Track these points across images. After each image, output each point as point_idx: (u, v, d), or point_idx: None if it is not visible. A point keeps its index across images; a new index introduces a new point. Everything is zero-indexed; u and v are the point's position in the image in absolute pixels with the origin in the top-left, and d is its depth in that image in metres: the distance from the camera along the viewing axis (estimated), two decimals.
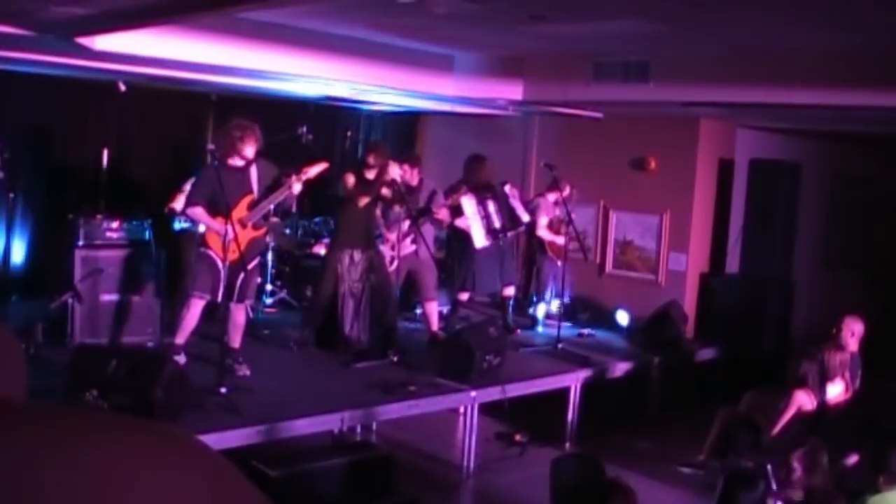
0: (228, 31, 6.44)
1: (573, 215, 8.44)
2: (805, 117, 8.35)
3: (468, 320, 8.43)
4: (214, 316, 6.65)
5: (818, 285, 10.58)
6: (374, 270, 7.23)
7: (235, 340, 6.44)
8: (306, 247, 9.42)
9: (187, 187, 6.76)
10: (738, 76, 7.17)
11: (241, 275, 6.16)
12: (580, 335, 8.82)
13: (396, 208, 7.45)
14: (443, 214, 7.84)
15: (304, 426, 5.60)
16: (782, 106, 7.28)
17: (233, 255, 5.94)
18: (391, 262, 7.49)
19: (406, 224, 7.51)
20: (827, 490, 4.21)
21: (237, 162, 6.20)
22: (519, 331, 8.71)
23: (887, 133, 9.03)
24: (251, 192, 6.30)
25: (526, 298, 9.35)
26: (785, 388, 6.46)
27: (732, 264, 9.84)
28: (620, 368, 7.92)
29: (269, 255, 9.14)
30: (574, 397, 7.31)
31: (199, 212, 6.17)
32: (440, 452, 6.87)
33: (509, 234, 8.51)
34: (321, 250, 8.59)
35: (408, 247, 7.71)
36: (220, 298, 6.21)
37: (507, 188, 8.48)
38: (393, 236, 7.54)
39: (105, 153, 8.37)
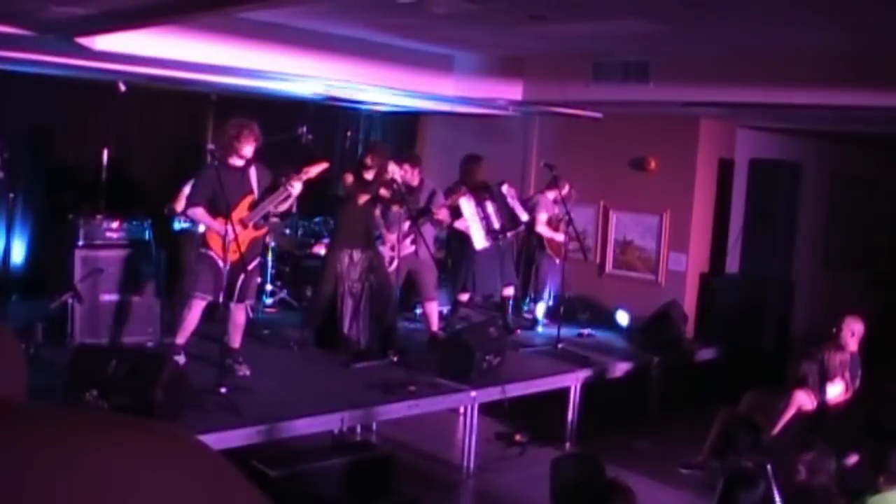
0: (228, 31, 6.44)
1: (572, 215, 8.45)
2: (805, 117, 8.35)
3: (468, 320, 8.43)
4: (214, 316, 6.65)
5: (818, 285, 10.58)
6: (373, 270, 7.23)
7: (235, 340, 6.44)
8: (306, 247, 9.42)
9: (187, 189, 6.76)
10: (738, 76, 7.17)
11: (242, 275, 6.16)
12: (580, 335, 8.82)
13: (395, 208, 7.45)
14: (443, 215, 7.84)
15: (304, 426, 5.60)
16: (782, 106, 7.28)
17: (233, 256, 5.94)
18: (391, 263, 7.48)
19: (406, 224, 7.50)
20: (829, 492, 4.21)
21: (237, 161, 6.20)
22: (519, 331, 8.72)
23: (887, 133, 9.02)
24: (251, 192, 6.30)
25: (524, 297, 9.33)
26: (785, 388, 6.46)
27: (732, 264, 9.84)
28: (620, 368, 7.92)
29: (269, 255, 9.15)
30: (574, 397, 7.31)
31: (199, 212, 6.17)
32: (440, 452, 6.87)
33: (509, 234, 8.52)
34: (321, 250, 8.59)
35: (408, 247, 7.71)
36: (221, 299, 6.21)
37: (504, 188, 8.48)
38: (393, 236, 7.53)
39: (105, 153, 8.37)
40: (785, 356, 7.62)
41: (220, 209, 6.03)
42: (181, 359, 6.16)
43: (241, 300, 6.35)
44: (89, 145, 8.90)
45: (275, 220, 8.90)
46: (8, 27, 5.65)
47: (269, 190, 6.37)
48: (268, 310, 8.88)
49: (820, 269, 10.98)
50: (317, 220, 9.69)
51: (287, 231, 9.35)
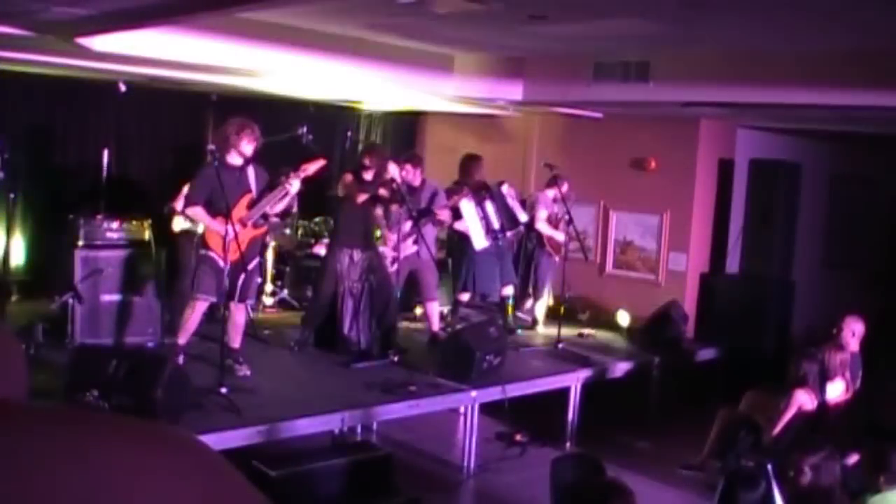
0: (228, 31, 6.44)
1: (573, 215, 8.45)
2: (805, 117, 8.35)
3: (468, 320, 8.44)
4: (215, 316, 6.65)
5: (818, 285, 10.58)
6: (373, 270, 7.23)
7: (235, 340, 6.44)
8: (306, 247, 9.42)
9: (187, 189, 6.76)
10: (738, 76, 7.17)
11: (242, 275, 6.16)
12: (580, 335, 8.82)
13: (395, 208, 7.45)
14: (444, 216, 7.86)
15: (304, 426, 5.60)
16: (782, 106, 7.27)
17: (233, 255, 5.94)
18: (392, 263, 7.48)
19: (408, 225, 7.51)
20: (834, 493, 4.21)
21: (236, 160, 6.20)
22: (519, 331, 8.72)
23: (887, 133, 9.03)
24: (249, 191, 6.29)
25: (522, 295, 9.31)
26: (785, 388, 6.46)
27: (732, 264, 9.84)
28: (620, 368, 7.92)
29: (269, 255, 9.15)
30: (574, 397, 7.31)
31: (198, 211, 6.17)
32: (440, 452, 6.87)
33: (508, 234, 8.52)
34: (321, 250, 8.59)
35: (409, 247, 7.71)
36: (225, 298, 6.22)
37: (504, 188, 8.48)
38: (394, 236, 7.53)
39: (105, 153, 8.37)
40: (785, 356, 7.61)
41: (219, 208, 6.03)
42: (180, 359, 6.15)
43: (241, 300, 6.35)
44: (89, 145, 8.91)
45: (275, 219, 8.91)
46: (8, 27, 5.65)
47: (267, 189, 6.36)
48: (268, 310, 8.88)
49: (820, 269, 10.98)
50: (317, 220, 9.69)
51: (287, 231, 9.35)
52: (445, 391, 6.49)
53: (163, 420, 4.76)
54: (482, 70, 8.39)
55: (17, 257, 8.41)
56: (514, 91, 8.42)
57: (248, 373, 6.35)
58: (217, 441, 4.76)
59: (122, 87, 8.16)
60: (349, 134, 10.69)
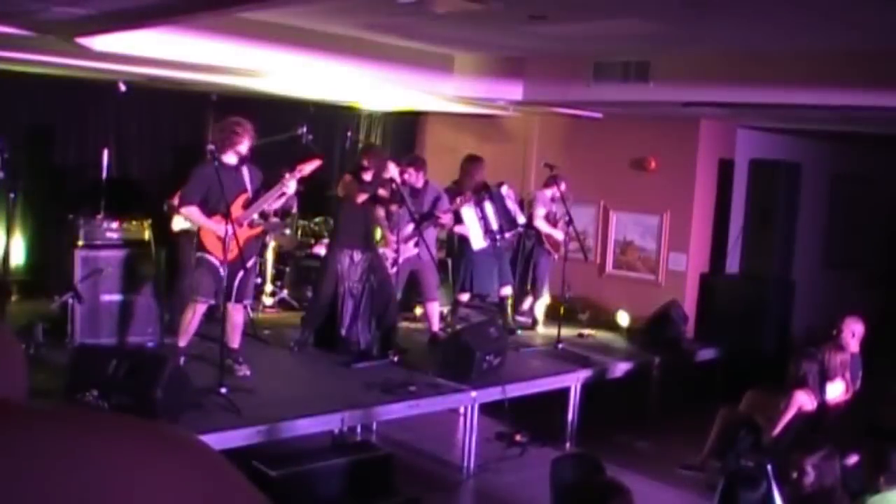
0: (228, 31, 6.44)
1: (573, 215, 8.45)
2: (805, 117, 8.35)
3: (468, 320, 8.44)
4: (214, 316, 6.65)
5: (818, 285, 10.57)
6: (374, 271, 7.22)
7: (234, 340, 6.43)
8: (306, 247, 9.42)
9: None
10: (738, 76, 7.17)
11: (239, 275, 6.16)
12: (580, 335, 8.82)
13: (394, 208, 7.45)
14: (446, 219, 7.90)
15: (304, 426, 5.60)
16: (782, 106, 7.27)
17: (230, 255, 5.94)
18: (392, 265, 7.48)
19: (410, 227, 7.51)
20: (835, 493, 4.21)
21: (231, 160, 6.18)
22: (519, 331, 8.73)
23: (887, 133, 9.02)
24: (245, 190, 6.27)
25: (521, 294, 9.31)
26: (785, 388, 6.46)
27: (732, 264, 9.84)
28: (620, 369, 7.92)
29: (269, 255, 9.15)
30: (574, 397, 7.31)
31: (193, 211, 6.15)
32: (440, 453, 6.87)
33: (507, 234, 8.51)
34: (321, 250, 8.59)
35: (410, 249, 7.72)
36: (223, 299, 6.22)
37: (503, 189, 8.49)
38: (394, 239, 7.52)
39: (105, 153, 8.37)
40: (785, 356, 7.61)
41: (214, 208, 6.04)
42: (182, 361, 6.15)
43: (238, 300, 6.34)
44: (89, 145, 8.91)
45: (275, 219, 8.91)
46: (8, 27, 5.65)
47: (262, 189, 6.35)
48: (268, 310, 8.88)
49: (820, 269, 10.98)
50: (317, 220, 9.69)
51: (287, 231, 9.35)
52: (445, 391, 6.49)
53: (163, 420, 4.76)
54: (482, 70, 8.39)
55: (17, 257, 8.41)
56: (514, 91, 8.42)
57: (248, 373, 6.35)
58: (217, 441, 4.76)
59: (122, 87, 8.16)
60: (349, 134, 10.68)
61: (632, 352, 8.45)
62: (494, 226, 8.29)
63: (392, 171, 7.09)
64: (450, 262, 8.92)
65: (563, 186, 8.70)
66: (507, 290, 8.72)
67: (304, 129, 8.84)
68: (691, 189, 9.34)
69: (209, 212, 6.12)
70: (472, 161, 8.45)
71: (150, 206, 7.97)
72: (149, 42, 6.14)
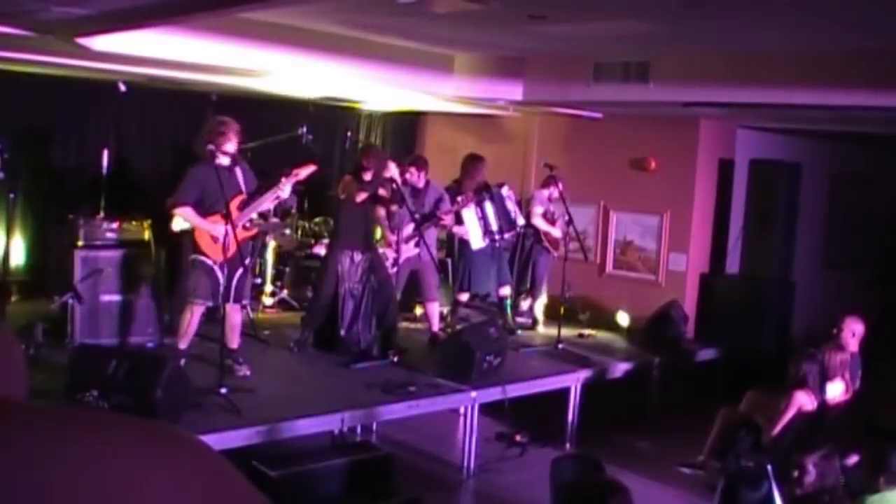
0: (228, 31, 6.44)
1: (573, 215, 8.45)
2: (805, 117, 8.34)
3: (468, 320, 8.44)
4: (214, 316, 6.64)
5: (818, 285, 10.58)
6: (374, 272, 7.22)
7: (233, 341, 6.42)
8: (306, 247, 9.42)
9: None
10: (738, 76, 7.17)
11: (236, 276, 6.15)
12: (580, 335, 8.82)
13: (395, 208, 7.45)
14: (448, 220, 7.91)
15: (304, 426, 5.60)
16: (782, 106, 7.27)
17: (226, 256, 5.94)
18: (392, 265, 7.49)
19: (410, 227, 7.52)
20: (836, 492, 4.21)
21: (223, 160, 6.16)
22: (519, 331, 8.73)
23: (887, 133, 9.02)
24: (241, 192, 6.26)
25: (519, 293, 9.30)
26: (785, 388, 6.46)
27: (732, 264, 9.84)
28: (620, 369, 7.92)
29: (269, 256, 9.15)
30: (574, 398, 7.31)
31: (188, 211, 6.14)
32: (440, 453, 6.87)
33: (506, 235, 8.51)
34: (321, 251, 8.59)
35: (411, 249, 7.73)
36: (220, 300, 6.22)
37: (504, 190, 8.49)
38: (395, 238, 7.53)
39: (105, 153, 8.37)
40: (785, 356, 7.61)
41: (210, 209, 6.04)
42: (182, 363, 6.14)
43: (236, 301, 6.33)
44: (89, 145, 8.91)
45: (275, 219, 8.91)
46: (8, 27, 5.65)
47: (257, 192, 6.34)
48: (268, 310, 8.88)
49: (820, 269, 10.98)
50: (317, 220, 9.69)
51: (287, 231, 9.35)
52: (445, 391, 6.48)
53: (163, 420, 4.75)
54: (482, 70, 8.39)
55: (17, 257, 8.40)
56: (514, 91, 8.42)
57: (248, 373, 6.34)
58: (217, 441, 4.76)
59: (122, 87, 8.16)
60: (349, 134, 10.68)
61: (632, 352, 8.45)
62: (494, 226, 8.29)
63: (392, 170, 7.09)
64: (450, 262, 8.92)
65: (559, 187, 8.71)
66: (506, 290, 8.73)
67: (304, 129, 8.85)
68: (691, 189, 9.34)
69: (204, 212, 6.11)
70: (473, 160, 8.46)
71: (150, 206, 7.96)
72: (149, 42, 6.14)
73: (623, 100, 7.96)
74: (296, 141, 8.71)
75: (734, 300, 9.23)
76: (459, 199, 7.93)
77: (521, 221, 8.60)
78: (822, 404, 6.36)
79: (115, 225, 7.23)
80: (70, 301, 6.82)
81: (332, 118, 10.56)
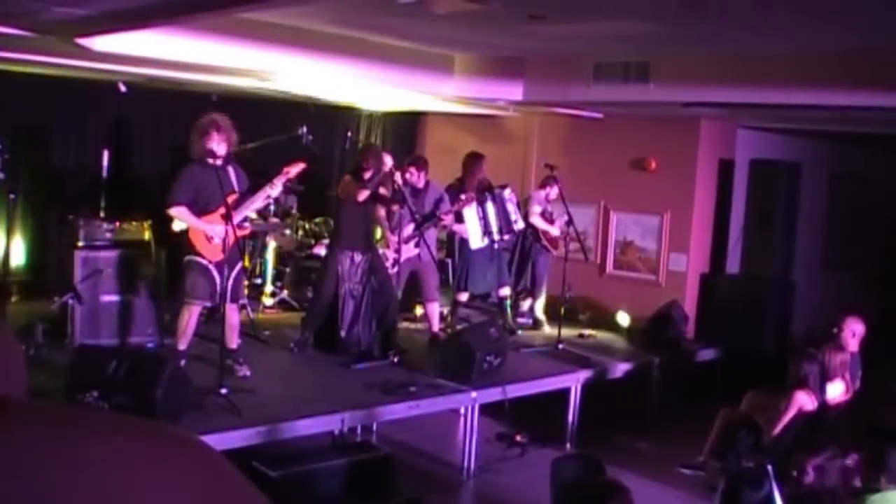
0: (228, 31, 6.44)
1: (573, 216, 8.45)
2: (805, 117, 8.35)
3: (468, 321, 8.43)
4: (214, 317, 6.64)
5: (818, 285, 10.58)
6: (374, 272, 7.22)
7: (232, 341, 6.41)
8: (306, 247, 9.41)
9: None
10: (738, 76, 7.17)
11: (231, 276, 6.14)
12: (580, 336, 8.81)
13: (395, 208, 7.45)
14: (447, 220, 7.91)
15: (304, 427, 5.60)
16: (782, 106, 7.27)
17: (220, 256, 5.94)
18: (393, 265, 7.49)
19: (410, 227, 7.51)
20: (836, 493, 4.22)
21: (215, 160, 6.16)
22: (519, 331, 8.73)
23: (887, 133, 9.02)
24: (234, 191, 6.25)
25: (518, 292, 9.30)
26: (785, 388, 6.46)
27: (733, 265, 9.84)
28: (621, 369, 7.91)
29: (269, 256, 9.15)
30: (574, 398, 7.31)
31: (183, 211, 6.13)
32: (441, 453, 6.87)
33: (505, 237, 8.50)
34: (321, 251, 8.59)
35: (411, 250, 7.73)
36: (217, 300, 6.22)
37: (506, 192, 8.49)
38: (395, 239, 7.53)
39: (105, 153, 8.37)
40: (785, 356, 7.61)
41: (205, 208, 6.03)
42: (182, 363, 6.13)
43: (232, 301, 6.31)
44: (89, 145, 8.91)
45: (274, 220, 8.91)
46: (8, 27, 5.65)
47: (249, 191, 6.33)
48: (268, 310, 8.88)
49: (820, 269, 10.98)
50: (317, 220, 9.69)
51: (287, 231, 9.35)
52: (446, 392, 6.48)
53: (163, 420, 4.75)
54: (482, 70, 8.39)
55: (17, 257, 8.40)
56: (514, 91, 8.42)
57: (249, 373, 6.34)
58: (217, 441, 4.75)
59: (122, 88, 8.16)
60: (349, 134, 10.68)
61: (632, 352, 8.45)
62: (494, 227, 8.29)
63: (388, 161, 7.06)
64: (450, 262, 8.92)
65: (558, 186, 8.73)
66: (506, 291, 8.73)
67: (304, 129, 8.84)
68: (691, 189, 9.34)
69: (199, 212, 6.10)
70: (474, 158, 8.47)
71: (150, 206, 7.96)
72: (149, 42, 6.14)
73: (623, 100, 7.96)
74: (296, 141, 8.71)
75: (734, 300, 9.23)
76: (462, 196, 7.94)
77: (520, 226, 8.61)
78: (823, 404, 6.36)
79: (115, 225, 7.23)
80: (70, 301, 6.81)
81: (332, 118, 10.56)
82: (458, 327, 7.92)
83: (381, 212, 7.59)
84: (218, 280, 6.09)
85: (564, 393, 7.30)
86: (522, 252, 9.10)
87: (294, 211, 9.40)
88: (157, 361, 5.38)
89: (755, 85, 7.11)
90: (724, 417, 6.64)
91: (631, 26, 6.11)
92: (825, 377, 6.40)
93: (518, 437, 6.99)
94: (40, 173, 8.52)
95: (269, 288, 9.11)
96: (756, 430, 6.42)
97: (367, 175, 7.11)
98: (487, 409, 6.77)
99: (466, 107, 9.65)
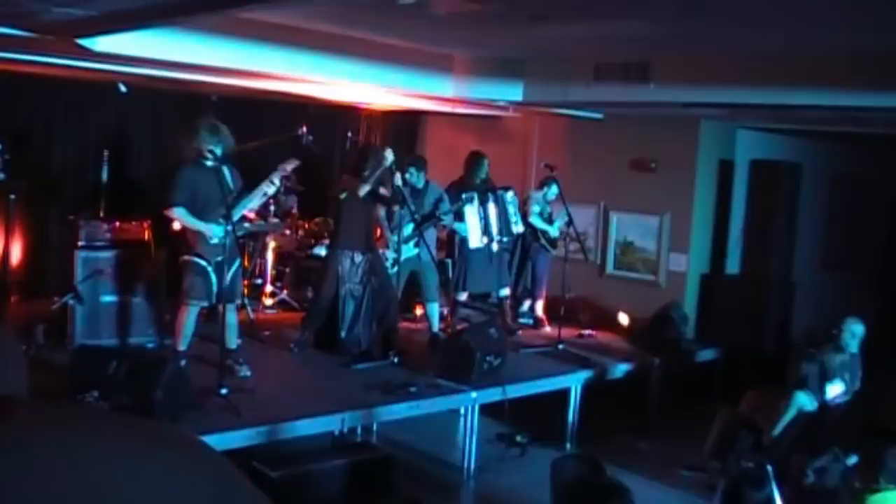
0: (228, 31, 6.44)
1: (573, 216, 8.45)
2: (805, 117, 8.34)
3: (468, 321, 8.43)
4: (215, 317, 6.64)
5: (818, 286, 10.57)
6: (374, 272, 7.22)
7: (230, 341, 6.40)
8: (306, 247, 9.41)
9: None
10: (738, 76, 7.16)
11: (228, 275, 6.14)
12: (580, 336, 8.81)
13: (396, 208, 7.44)
14: (448, 220, 7.91)
15: (304, 427, 5.60)
16: (782, 106, 7.27)
17: (221, 254, 5.93)
18: (392, 265, 7.48)
19: (409, 227, 7.51)
20: (837, 494, 4.22)
21: (207, 160, 6.16)
22: (520, 332, 8.72)
23: (887, 133, 9.02)
24: (230, 191, 6.25)
25: (522, 294, 9.30)
26: (785, 388, 6.46)
27: (733, 265, 9.84)
28: (621, 370, 7.91)
29: (269, 256, 9.15)
30: (574, 398, 7.31)
31: (182, 212, 6.13)
32: (441, 453, 6.87)
33: (503, 239, 8.50)
34: (321, 251, 8.59)
35: (411, 250, 7.72)
36: (214, 300, 6.22)
37: (509, 195, 8.50)
38: (395, 239, 7.52)
39: (105, 153, 8.36)
40: (785, 357, 7.62)
41: (201, 208, 6.03)
42: (182, 363, 6.13)
43: (229, 300, 6.31)
44: (89, 145, 8.90)
45: (274, 220, 8.91)
46: (9, 28, 5.65)
47: (245, 191, 6.33)
48: (268, 311, 8.87)
49: (820, 269, 10.97)
50: (317, 220, 9.68)
51: (287, 232, 9.35)
52: (446, 392, 6.48)
53: (163, 420, 4.75)
54: (482, 70, 8.39)
55: (17, 257, 8.40)
56: (514, 91, 8.42)
57: (249, 373, 6.34)
58: (217, 441, 4.75)
59: (122, 88, 8.15)
60: (349, 134, 10.68)
61: (632, 352, 8.45)
62: (493, 228, 8.29)
63: (389, 156, 7.03)
64: (450, 262, 8.92)
65: (557, 186, 8.76)
66: (507, 291, 8.73)
67: (304, 129, 8.84)
68: (691, 189, 9.34)
69: (196, 212, 6.10)
70: (477, 158, 8.50)
71: (150, 207, 7.96)
72: (149, 42, 6.14)
73: (623, 100, 7.96)
74: (296, 141, 8.71)
75: (734, 301, 9.23)
76: (464, 195, 7.95)
77: (519, 229, 8.61)
78: (823, 405, 6.37)
79: (115, 225, 7.22)
80: (70, 301, 6.82)
81: (332, 118, 10.56)
82: (458, 327, 7.92)
83: (381, 212, 7.59)
84: (215, 280, 6.09)
85: (564, 393, 7.30)
86: (522, 252, 9.10)
87: (294, 211, 9.39)
88: (157, 361, 5.38)
89: (755, 85, 7.10)
90: (724, 417, 6.64)
91: (631, 26, 6.11)
92: (825, 377, 6.41)
93: (518, 438, 6.99)
94: (40, 173, 8.51)
95: (269, 288, 9.10)
96: (756, 430, 6.42)
97: (367, 172, 7.10)
98: (487, 409, 6.77)
99: (466, 107, 9.65)
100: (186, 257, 6.22)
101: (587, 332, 8.95)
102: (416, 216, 7.41)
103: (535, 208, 8.95)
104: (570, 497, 3.97)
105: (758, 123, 9.62)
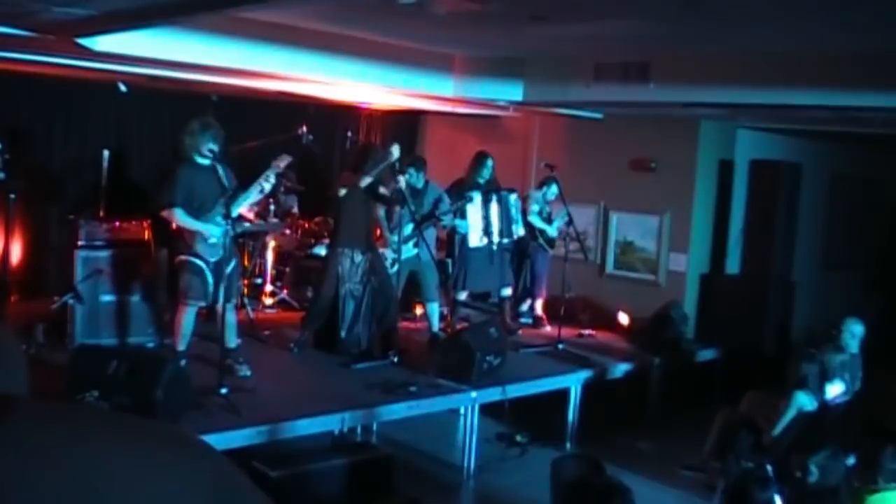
0: (228, 30, 6.44)
1: (573, 215, 8.45)
2: (805, 117, 8.34)
3: (468, 321, 8.43)
4: (214, 316, 6.64)
5: (818, 286, 10.57)
6: (374, 272, 7.21)
7: (230, 340, 6.40)
8: (306, 247, 9.41)
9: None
10: (738, 76, 7.16)
11: (226, 275, 6.13)
12: (580, 335, 8.81)
13: (397, 209, 7.44)
14: (447, 220, 7.91)
15: (304, 427, 5.60)
16: (782, 106, 7.27)
17: (216, 255, 5.93)
18: (392, 265, 7.48)
19: (409, 227, 7.51)
20: (838, 493, 4.22)
21: (204, 161, 6.15)
22: (520, 331, 8.73)
23: (887, 133, 9.02)
24: (226, 190, 6.24)
25: (522, 294, 9.30)
26: (785, 388, 6.46)
27: (733, 265, 9.84)
28: (621, 369, 7.92)
29: (269, 256, 9.15)
30: (574, 398, 7.31)
31: (179, 212, 6.13)
32: (441, 453, 6.87)
33: (504, 240, 8.50)
34: (321, 251, 8.59)
35: (410, 250, 7.72)
36: (212, 300, 6.21)
37: (513, 197, 8.50)
38: (395, 239, 7.52)
39: (105, 153, 8.36)
40: (785, 357, 7.62)
41: (198, 208, 6.03)
42: (182, 363, 6.13)
43: (227, 300, 6.30)
44: (89, 145, 8.90)
45: (274, 220, 8.91)
46: (9, 28, 5.65)
47: (240, 189, 6.32)
48: (268, 310, 8.87)
49: (820, 269, 10.98)
50: (317, 220, 9.68)
51: (287, 231, 9.35)
52: (445, 392, 6.48)
53: (163, 420, 4.75)
54: (482, 70, 8.39)
55: (17, 257, 8.40)
56: (514, 91, 8.42)
57: (249, 373, 6.34)
58: (217, 441, 4.75)
59: (122, 88, 8.15)
60: (349, 134, 10.68)
61: (632, 352, 8.45)
62: (494, 228, 8.29)
63: (395, 152, 7.02)
64: (450, 262, 8.92)
65: (557, 186, 8.76)
66: (508, 291, 8.72)
67: (304, 129, 8.84)
68: (691, 189, 9.34)
69: (193, 212, 6.10)
70: (482, 158, 8.51)
71: (150, 206, 7.95)
72: (149, 42, 6.14)
73: (623, 100, 7.96)
74: (296, 140, 8.71)
75: (734, 300, 9.23)
76: (466, 195, 7.96)
77: (520, 233, 8.62)
78: (822, 405, 6.37)
79: (115, 225, 7.22)
80: (70, 301, 6.82)
81: (332, 118, 10.56)
82: (458, 327, 7.92)
83: (381, 212, 7.59)
84: (212, 280, 6.08)
85: (564, 393, 7.30)
86: (519, 251, 9.11)
87: (294, 210, 9.39)
88: (157, 361, 5.38)
89: (755, 85, 7.10)
90: (724, 417, 6.64)
91: (631, 26, 6.11)
92: (825, 377, 6.41)
93: (518, 437, 6.99)
94: (40, 173, 8.52)
95: (269, 287, 9.10)
96: (756, 430, 6.42)
97: (366, 168, 7.09)
98: (487, 409, 6.77)
99: (466, 107, 9.65)
100: (183, 257, 6.22)
101: (587, 331, 8.95)
102: (416, 216, 7.41)
103: (535, 207, 8.95)
104: (570, 497, 3.98)
105: (758, 123, 9.62)
